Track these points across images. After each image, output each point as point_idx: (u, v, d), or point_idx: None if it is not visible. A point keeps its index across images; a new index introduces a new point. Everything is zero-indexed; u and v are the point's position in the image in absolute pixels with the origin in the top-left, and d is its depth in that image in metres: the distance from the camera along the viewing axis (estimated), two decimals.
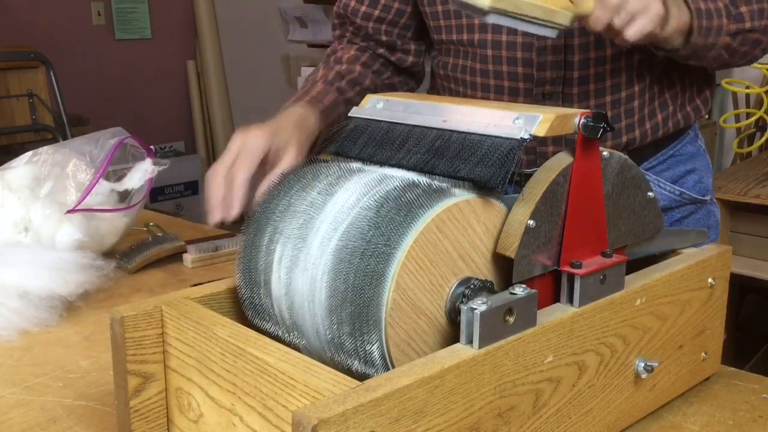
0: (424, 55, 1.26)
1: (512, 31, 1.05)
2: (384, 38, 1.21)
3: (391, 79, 1.24)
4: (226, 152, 0.95)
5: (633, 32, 0.84)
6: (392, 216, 0.64)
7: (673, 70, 1.09)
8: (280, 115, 1.05)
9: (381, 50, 1.23)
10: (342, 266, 0.64)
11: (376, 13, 1.20)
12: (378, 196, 0.67)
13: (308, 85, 1.17)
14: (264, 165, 0.94)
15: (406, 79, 1.26)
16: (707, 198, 1.17)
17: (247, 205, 0.89)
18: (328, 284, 0.66)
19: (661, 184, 1.13)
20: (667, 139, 1.13)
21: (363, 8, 1.21)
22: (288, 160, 0.95)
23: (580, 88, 1.06)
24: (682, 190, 1.14)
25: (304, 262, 0.68)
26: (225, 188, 0.90)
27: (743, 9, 0.96)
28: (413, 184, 0.67)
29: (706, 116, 1.23)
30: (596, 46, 1.04)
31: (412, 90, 1.28)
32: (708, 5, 0.94)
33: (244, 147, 0.94)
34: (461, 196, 0.67)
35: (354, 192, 0.69)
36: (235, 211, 0.90)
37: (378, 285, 0.62)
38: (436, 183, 0.69)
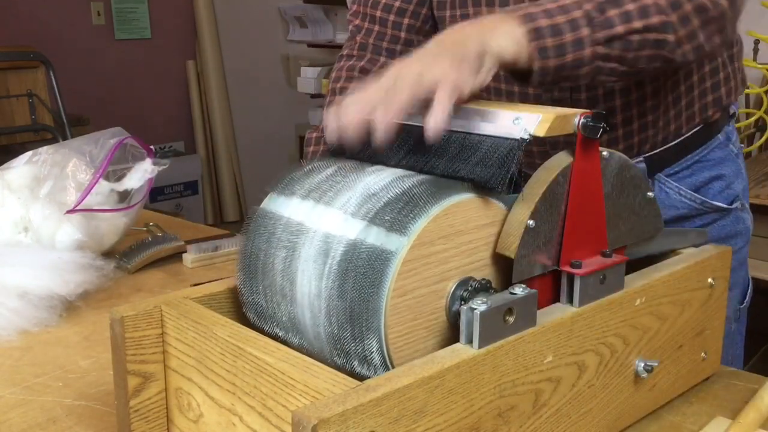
0: None
1: None
2: (403, 34, 1.18)
3: None
4: None
5: (433, 125, 0.70)
6: (387, 225, 0.64)
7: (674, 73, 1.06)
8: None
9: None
10: (338, 278, 0.65)
11: (397, 4, 1.17)
12: (338, 263, 0.65)
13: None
14: None
15: None
16: (734, 206, 1.13)
17: None
18: (326, 297, 0.66)
19: (682, 192, 1.10)
20: (692, 145, 1.10)
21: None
22: None
23: (588, 93, 1.05)
24: (704, 198, 1.10)
25: (301, 278, 0.69)
26: None
27: (611, 13, 0.83)
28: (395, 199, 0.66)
29: (732, 116, 1.14)
30: None
31: None
32: (555, 19, 0.81)
33: None
34: (455, 197, 0.66)
35: (313, 276, 0.67)
36: None
37: (375, 298, 0.62)
38: (424, 187, 0.68)
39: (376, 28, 1.18)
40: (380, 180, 0.70)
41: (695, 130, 1.09)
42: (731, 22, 0.94)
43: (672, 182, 1.10)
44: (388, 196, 0.66)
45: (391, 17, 1.17)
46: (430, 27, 1.18)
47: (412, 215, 0.64)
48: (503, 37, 0.78)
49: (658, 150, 1.08)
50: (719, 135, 1.12)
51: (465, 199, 0.67)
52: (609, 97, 1.04)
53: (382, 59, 1.19)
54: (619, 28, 0.83)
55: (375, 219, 0.65)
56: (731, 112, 1.14)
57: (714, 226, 1.12)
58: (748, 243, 1.17)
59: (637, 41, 0.85)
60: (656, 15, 0.85)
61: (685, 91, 1.07)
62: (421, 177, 0.70)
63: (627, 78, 0.90)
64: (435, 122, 0.70)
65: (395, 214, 0.64)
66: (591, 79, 0.86)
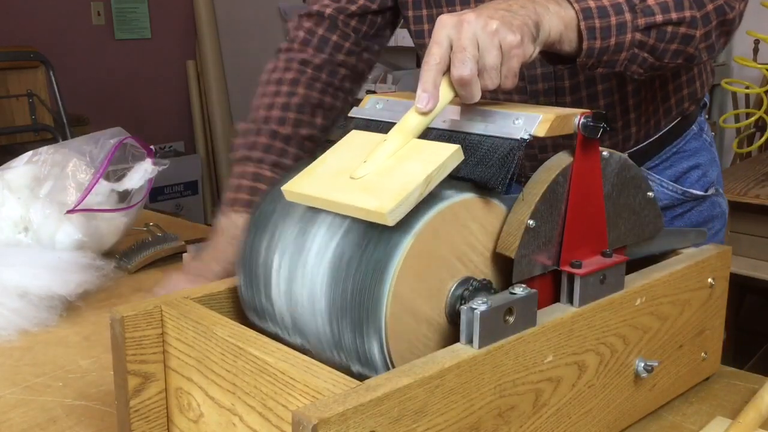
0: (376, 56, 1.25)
1: None
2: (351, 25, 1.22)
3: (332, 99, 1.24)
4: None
5: (509, 83, 0.73)
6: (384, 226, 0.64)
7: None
8: (211, 247, 1.05)
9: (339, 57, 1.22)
10: (339, 277, 0.65)
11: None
12: None
13: (245, 150, 1.19)
14: None
15: (344, 96, 1.25)
16: (710, 192, 1.16)
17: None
18: (326, 296, 0.66)
19: (664, 184, 1.12)
20: (670, 137, 1.13)
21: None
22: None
23: (572, 97, 1.06)
24: (684, 188, 1.13)
25: (302, 276, 0.68)
26: None
27: (651, 1, 0.85)
28: None
29: (703, 107, 1.18)
30: None
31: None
32: (601, 2, 0.82)
33: None
34: (455, 197, 0.66)
35: None
36: None
37: (376, 297, 0.62)
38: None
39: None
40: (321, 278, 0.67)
41: (673, 123, 1.12)
42: (737, 27, 0.95)
43: (654, 175, 1.12)
44: (336, 307, 0.65)
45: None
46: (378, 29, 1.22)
47: (374, 330, 0.63)
48: (553, 16, 0.79)
49: (640, 146, 1.10)
50: (693, 126, 1.15)
51: (465, 199, 0.67)
52: (593, 99, 1.06)
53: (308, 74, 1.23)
54: (658, 17, 0.85)
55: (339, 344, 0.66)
56: (702, 103, 1.17)
57: (692, 212, 1.15)
58: (724, 226, 1.20)
59: (670, 33, 0.87)
60: (688, 9, 0.87)
61: (660, 86, 1.09)
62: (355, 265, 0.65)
63: (651, 72, 0.91)
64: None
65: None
66: (623, 67, 0.87)
